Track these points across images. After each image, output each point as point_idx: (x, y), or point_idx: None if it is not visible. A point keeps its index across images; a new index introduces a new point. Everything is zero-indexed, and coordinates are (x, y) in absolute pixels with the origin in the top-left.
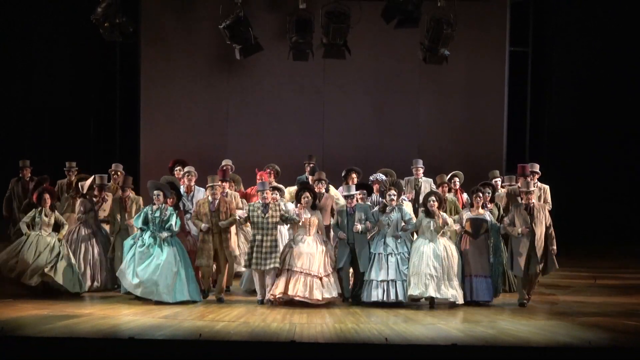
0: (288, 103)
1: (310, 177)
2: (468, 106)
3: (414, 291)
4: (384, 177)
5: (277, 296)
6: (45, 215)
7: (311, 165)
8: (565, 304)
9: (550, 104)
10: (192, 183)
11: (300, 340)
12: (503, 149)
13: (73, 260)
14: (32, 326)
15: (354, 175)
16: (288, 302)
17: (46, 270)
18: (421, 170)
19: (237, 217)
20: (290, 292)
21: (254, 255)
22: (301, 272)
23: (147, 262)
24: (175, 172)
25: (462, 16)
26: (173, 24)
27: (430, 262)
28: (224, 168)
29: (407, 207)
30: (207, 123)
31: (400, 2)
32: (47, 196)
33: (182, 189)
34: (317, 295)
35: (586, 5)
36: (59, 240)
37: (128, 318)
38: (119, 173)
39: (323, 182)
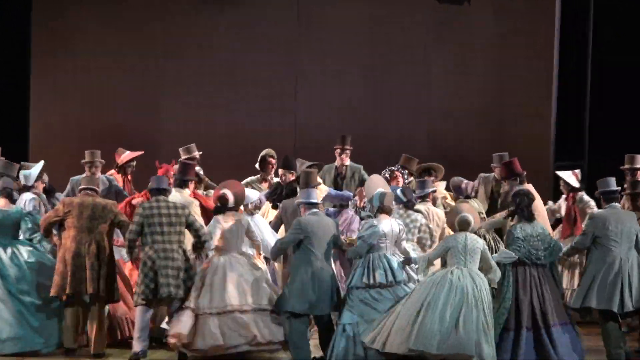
0: (246, 67)
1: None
2: (499, 74)
3: (409, 345)
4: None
5: (179, 345)
6: None
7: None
8: None
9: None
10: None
11: None
12: (551, 135)
13: None
14: None
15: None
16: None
17: None
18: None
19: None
20: (198, 346)
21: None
22: (212, 314)
23: None
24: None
25: None
26: None
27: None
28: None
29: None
30: (132, 94)
31: None
32: None
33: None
34: (234, 339)
35: None
36: None
37: None
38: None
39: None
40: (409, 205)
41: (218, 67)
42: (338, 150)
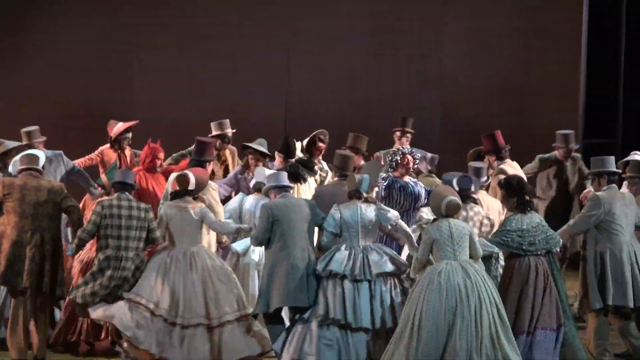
0: (231, 37)
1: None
2: (523, 41)
3: None
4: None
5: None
6: None
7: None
8: None
9: None
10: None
11: None
12: (579, 109)
13: None
14: None
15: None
16: None
17: None
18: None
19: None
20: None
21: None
22: (147, 309)
23: None
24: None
25: None
26: None
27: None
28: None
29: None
30: (102, 66)
31: None
32: None
33: None
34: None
35: None
36: None
37: None
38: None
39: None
40: (464, 196)
41: (198, 38)
42: (398, 134)
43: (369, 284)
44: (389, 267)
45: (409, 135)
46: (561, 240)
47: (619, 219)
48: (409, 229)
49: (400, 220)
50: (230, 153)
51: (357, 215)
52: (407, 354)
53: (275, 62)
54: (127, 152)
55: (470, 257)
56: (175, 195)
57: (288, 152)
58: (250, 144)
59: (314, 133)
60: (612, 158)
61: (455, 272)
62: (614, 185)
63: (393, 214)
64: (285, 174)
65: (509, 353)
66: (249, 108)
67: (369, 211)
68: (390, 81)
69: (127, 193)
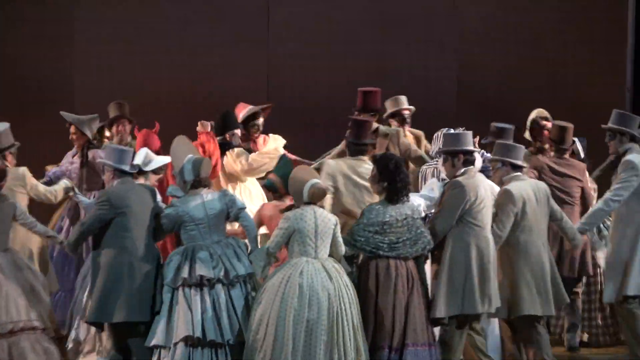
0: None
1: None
2: None
3: None
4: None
5: None
6: None
7: None
8: None
9: None
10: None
11: None
12: (627, 78)
13: None
14: None
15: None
16: None
17: None
18: None
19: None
20: None
21: None
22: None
23: None
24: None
25: None
26: None
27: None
28: None
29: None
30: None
31: None
32: None
33: None
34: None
35: None
36: None
37: None
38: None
39: None
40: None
41: None
42: None
43: (240, 286)
44: (248, 265)
45: None
46: (432, 242)
47: (485, 209)
48: (252, 222)
49: (246, 211)
50: (414, 137)
51: (204, 209)
52: None
53: (250, 15)
54: (257, 141)
55: (331, 255)
56: None
57: (223, 129)
58: (67, 116)
59: (534, 115)
60: (470, 133)
61: (318, 274)
62: (471, 166)
63: (239, 201)
64: (130, 153)
65: None
66: (225, 74)
67: (217, 201)
68: (398, 40)
69: None
